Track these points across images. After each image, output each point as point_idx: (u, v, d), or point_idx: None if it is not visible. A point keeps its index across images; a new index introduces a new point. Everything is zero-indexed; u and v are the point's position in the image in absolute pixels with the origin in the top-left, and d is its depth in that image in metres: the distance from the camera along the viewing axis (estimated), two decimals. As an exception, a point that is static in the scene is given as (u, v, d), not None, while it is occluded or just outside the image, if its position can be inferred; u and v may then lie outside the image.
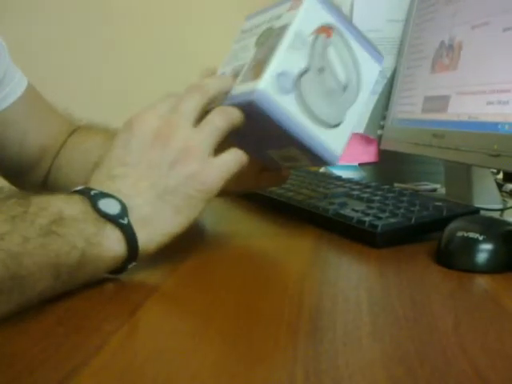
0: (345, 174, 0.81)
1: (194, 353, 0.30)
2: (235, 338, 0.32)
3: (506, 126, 0.58)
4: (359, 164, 0.89)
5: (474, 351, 0.31)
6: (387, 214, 0.54)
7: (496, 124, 0.60)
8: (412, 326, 0.34)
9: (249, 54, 0.51)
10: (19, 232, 0.35)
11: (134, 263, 0.41)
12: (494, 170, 0.80)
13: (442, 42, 0.75)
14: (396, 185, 0.83)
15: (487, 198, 0.69)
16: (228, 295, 0.40)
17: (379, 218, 0.53)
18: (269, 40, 0.50)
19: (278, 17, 0.50)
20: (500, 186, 0.79)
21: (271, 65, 0.46)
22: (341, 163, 0.89)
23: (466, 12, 0.70)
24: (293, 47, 0.47)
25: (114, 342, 0.31)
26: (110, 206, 0.40)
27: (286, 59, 0.47)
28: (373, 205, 0.58)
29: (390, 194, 0.62)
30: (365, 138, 0.90)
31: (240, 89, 0.48)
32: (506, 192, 0.81)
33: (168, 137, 0.44)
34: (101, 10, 1.35)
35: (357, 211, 0.56)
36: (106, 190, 0.41)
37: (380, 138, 0.88)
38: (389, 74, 0.89)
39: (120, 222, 0.40)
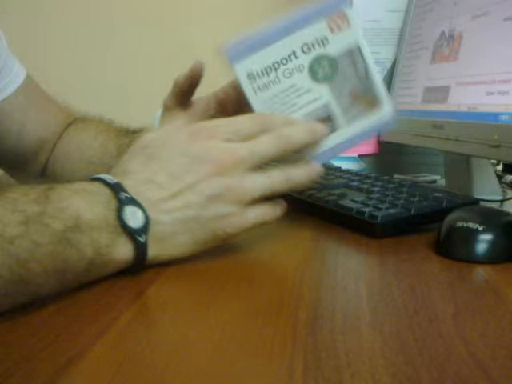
0: (344, 165, 0.81)
1: (192, 343, 0.30)
2: (234, 328, 0.32)
3: (507, 117, 0.58)
4: (359, 155, 0.89)
5: (473, 340, 0.31)
6: (387, 205, 0.54)
7: (496, 114, 0.60)
8: (411, 315, 0.34)
9: (315, 93, 0.47)
10: (31, 236, 0.34)
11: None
12: (494, 162, 0.80)
13: (443, 33, 0.74)
14: (396, 176, 0.82)
15: (487, 188, 0.69)
16: (227, 285, 0.40)
17: (379, 209, 0.53)
18: (341, 70, 0.47)
19: (323, 41, 0.46)
20: (500, 178, 0.79)
21: (384, 91, 0.48)
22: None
23: (467, 2, 0.69)
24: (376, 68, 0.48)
25: (113, 332, 0.31)
26: (134, 218, 0.39)
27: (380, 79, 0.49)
28: (372, 195, 0.58)
29: (390, 185, 0.62)
30: (364, 130, 0.90)
31: (358, 126, 0.48)
32: (506, 183, 0.81)
33: (225, 171, 0.42)
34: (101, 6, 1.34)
35: (356, 202, 0.56)
36: (136, 196, 0.40)
37: (380, 129, 0.88)
38: (389, 65, 0.88)
39: (137, 239, 0.39)
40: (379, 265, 0.45)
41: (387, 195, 0.58)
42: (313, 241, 0.53)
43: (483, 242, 0.45)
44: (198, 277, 0.42)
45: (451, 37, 0.72)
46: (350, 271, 0.44)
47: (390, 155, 0.89)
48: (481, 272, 0.43)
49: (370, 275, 0.43)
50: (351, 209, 0.54)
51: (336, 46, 0.47)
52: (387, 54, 0.88)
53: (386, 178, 0.67)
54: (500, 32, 0.62)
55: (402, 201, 0.55)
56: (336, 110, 0.47)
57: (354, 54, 0.47)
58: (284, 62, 0.46)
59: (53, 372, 0.27)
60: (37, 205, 0.36)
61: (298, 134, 0.46)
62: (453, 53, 0.71)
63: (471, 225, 0.46)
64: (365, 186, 0.62)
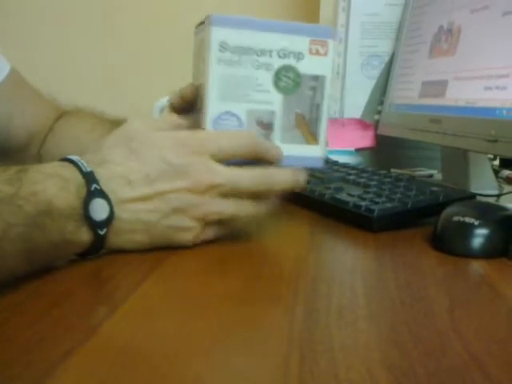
0: (341, 159, 0.81)
1: (189, 336, 0.30)
2: (231, 320, 0.32)
3: (504, 112, 0.58)
4: (356, 149, 0.89)
5: (468, 334, 0.31)
6: (383, 199, 0.54)
7: (494, 109, 0.60)
8: (407, 309, 0.34)
9: (270, 97, 0.47)
10: (4, 217, 0.35)
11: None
12: (491, 157, 0.80)
13: (441, 27, 0.74)
14: (393, 170, 0.83)
15: (484, 183, 0.69)
16: (224, 279, 0.40)
17: (375, 203, 0.53)
18: (301, 90, 0.48)
19: (299, 56, 0.47)
20: (496, 173, 0.79)
21: (324, 133, 0.50)
22: (337, 148, 0.89)
23: (466, -4, 0.69)
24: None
25: (110, 323, 0.31)
26: (99, 210, 0.40)
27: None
28: (369, 189, 0.58)
29: (387, 179, 0.62)
30: (362, 123, 0.90)
31: (289, 150, 0.48)
32: (502, 178, 0.81)
33: (199, 190, 0.43)
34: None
35: (353, 196, 0.56)
36: (106, 189, 0.41)
37: (377, 123, 0.88)
38: (386, 59, 0.88)
39: (97, 232, 0.40)
40: (375, 259, 0.45)
41: (384, 189, 0.58)
42: (309, 234, 0.53)
43: (479, 236, 0.45)
44: (194, 270, 0.42)
45: (450, 31, 0.72)
46: (346, 265, 0.44)
47: (387, 149, 0.89)
48: (476, 266, 0.43)
49: (366, 269, 0.43)
50: (348, 203, 0.55)
51: (308, 65, 0.48)
52: (385, 47, 0.88)
53: (382, 172, 0.67)
54: (499, 26, 0.62)
55: (398, 195, 0.55)
56: (278, 123, 0.48)
57: (319, 83, 0.48)
58: (258, 53, 0.47)
59: (50, 364, 0.27)
60: (10, 186, 0.37)
61: (281, 179, 0.47)
62: (451, 47, 0.71)
63: (468, 219, 0.46)
64: (362, 180, 0.62)
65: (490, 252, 0.45)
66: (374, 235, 0.51)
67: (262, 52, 0.47)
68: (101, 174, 0.41)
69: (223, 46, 0.46)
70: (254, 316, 0.33)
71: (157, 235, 0.44)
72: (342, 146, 0.89)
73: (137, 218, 0.42)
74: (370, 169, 0.70)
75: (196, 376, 0.26)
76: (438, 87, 0.72)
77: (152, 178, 0.42)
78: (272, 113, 0.48)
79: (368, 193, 0.57)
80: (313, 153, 0.50)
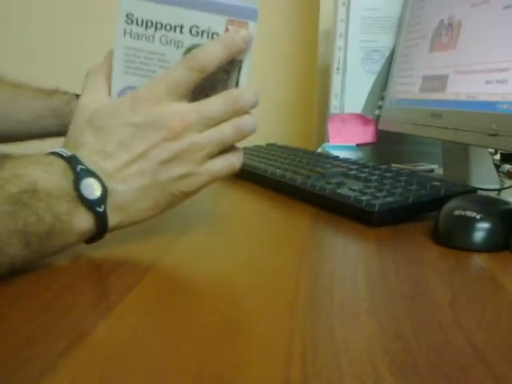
0: (342, 154, 0.81)
1: (189, 329, 0.30)
2: (233, 314, 0.32)
3: (505, 106, 0.58)
4: (357, 144, 0.89)
5: (470, 328, 0.31)
6: (384, 193, 0.54)
7: (494, 103, 0.60)
8: (409, 302, 0.34)
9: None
10: None
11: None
12: (492, 151, 0.80)
13: (442, 21, 0.74)
14: (393, 165, 0.82)
15: (485, 178, 0.69)
16: (225, 273, 0.40)
17: (376, 197, 0.53)
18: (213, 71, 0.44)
19: (213, 35, 0.44)
20: (497, 167, 0.79)
21: None
22: (338, 143, 0.89)
23: (466, -10, 0.69)
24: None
25: (111, 318, 0.31)
26: (91, 189, 0.40)
27: None
28: (370, 184, 0.58)
29: (388, 174, 0.62)
30: (362, 119, 0.90)
31: None
32: (503, 172, 0.81)
33: (175, 136, 0.42)
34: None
35: (354, 190, 0.56)
36: (92, 167, 0.41)
37: (378, 118, 0.88)
38: (387, 54, 0.88)
39: (96, 210, 0.40)
40: (377, 253, 0.45)
41: (385, 184, 0.58)
42: (311, 229, 0.53)
43: (481, 230, 0.45)
44: (194, 265, 0.42)
45: (450, 25, 0.72)
46: (347, 259, 0.44)
47: (387, 144, 0.89)
48: (478, 260, 0.43)
49: (367, 263, 0.43)
50: (349, 197, 0.54)
51: None
52: (386, 42, 0.88)
53: (383, 166, 0.67)
54: (499, 20, 0.62)
55: (399, 189, 0.55)
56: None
57: (233, 67, 0.45)
58: (167, 28, 0.44)
59: (52, 357, 0.27)
60: None
61: (249, 97, 0.45)
62: (452, 41, 0.70)
63: (469, 213, 0.46)
64: (363, 175, 0.62)
65: (491, 246, 0.45)
66: (375, 230, 0.51)
67: (172, 28, 0.44)
68: (81, 155, 0.41)
69: (130, 18, 0.44)
70: (256, 310, 0.33)
71: (158, 196, 0.43)
72: (343, 141, 0.89)
73: (130, 186, 0.42)
74: (370, 164, 0.69)
75: (197, 370, 0.26)
76: (438, 82, 0.72)
77: (126, 144, 0.42)
78: None
79: (369, 187, 0.57)
80: None
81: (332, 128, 0.91)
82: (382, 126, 0.86)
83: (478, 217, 0.45)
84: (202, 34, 0.44)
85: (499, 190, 0.67)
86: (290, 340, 0.29)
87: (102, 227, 0.41)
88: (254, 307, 0.34)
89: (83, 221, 0.40)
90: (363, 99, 0.90)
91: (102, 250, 0.43)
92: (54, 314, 0.32)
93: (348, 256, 0.45)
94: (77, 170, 0.40)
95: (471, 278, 0.40)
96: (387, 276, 0.39)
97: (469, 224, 0.45)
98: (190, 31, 0.44)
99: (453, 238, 0.46)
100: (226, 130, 0.44)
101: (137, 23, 0.44)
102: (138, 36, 0.44)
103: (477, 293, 0.36)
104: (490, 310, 0.33)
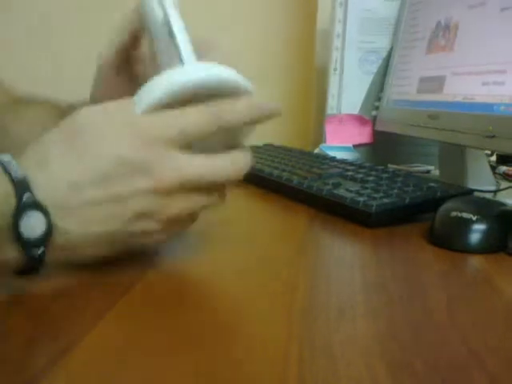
0: (339, 154, 0.81)
1: (186, 330, 0.30)
2: (229, 317, 0.32)
3: (502, 107, 0.58)
4: (354, 145, 0.89)
5: (466, 329, 0.31)
6: (381, 195, 0.54)
7: (491, 105, 0.60)
8: (405, 304, 0.34)
9: None
10: None
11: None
12: (488, 152, 0.80)
13: (439, 23, 0.74)
14: (390, 166, 0.83)
15: (481, 179, 0.69)
16: (221, 275, 0.40)
17: (373, 198, 0.53)
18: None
19: None
20: (493, 168, 0.79)
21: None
22: (335, 144, 0.89)
23: (463, -8, 0.69)
24: None
25: (109, 319, 0.31)
26: (32, 226, 0.33)
27: None
28: (367, 185, 0.58)
29: (384, 175, 0.62)
30: (359, 119, 0.90)
31: None
32: (500, 174, 0.81)
33: (164, 191, 0.36)
34: None
35: (351, 191, 0.56)
36: (45, 197, 0.34)
37: (375, 119, 0.88)
38: (384, 55, 0.88)
39: (30, 252, 0.34)
40: (373, 254, 0.45)
41: (381, 185, 0.58)
42: (307, 230, 0.53)
43: (477, 232, 0.45)
44: (191, 265, 0.42)
45: (447, 27, 0.72)
46: (344, 260, 0.44)
47: (384, 145, 0.89)
48: (474, 262, 0.43)
49: (364, 264, 0.43)
50: (346, 198, 0.55)
51: None
52: (383, 43, 0.88)
53: (380, 167, 0.67)
54: (496, 22, 0.62)
55: (396, 191, 0.55)
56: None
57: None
58: None
59: (52, 357, 0.27)
60: None
61: (244, 161, 0.39)
62: (449, 43, 0.71)
63: (465, 215, 0.46)
64: (359, 176, 0.62)
65: (487, 247, 0.45)
66: (372, 231, 0.51)
67: None
68: (38, 179, 0.34)
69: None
70: (253, 312, 0.33)
71: (115, 246, 0.37)
72: (340, 141, 0.89)
73: (89, 231, 0.35)
74: (367, 164, 0.70)
75: (194, 371, 0.26)
76: (435, 83, 0.72)
77: (105, 178, 0.35)
78: None
79: (366, 188, 0.57)
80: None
81: (329, 129, 0.91)
82: (379, 127, 0.86)
83: (475, 218, 0.45)
84: None
85: (495, 192, 0.67)
86: (287, 342, 0.29)
87: (32, 269, 0.35)
88: (251, 309, 0.34)
89: (10, 256, 0.33)
90: (360, 100, 0.90)
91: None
92: (53, 315, 0.32)
93: (345, 257, 0.45)
94: (22, 199, 0.33)
95: (467, 280, 0.40)
96: (383, 278, 0.39)
97: (465, 225, 0.46)
98: None
99: (449, 239, 0.46)
100: (210, 199, 0.39)
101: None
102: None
103: (473, 294, 0.37)
104: (486, 312, 0.34)
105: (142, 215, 0.36)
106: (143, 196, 0.36)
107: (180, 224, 0.40)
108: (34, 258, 0.34)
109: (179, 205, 0.37)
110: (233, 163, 0.39)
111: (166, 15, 0.41)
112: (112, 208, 0.35)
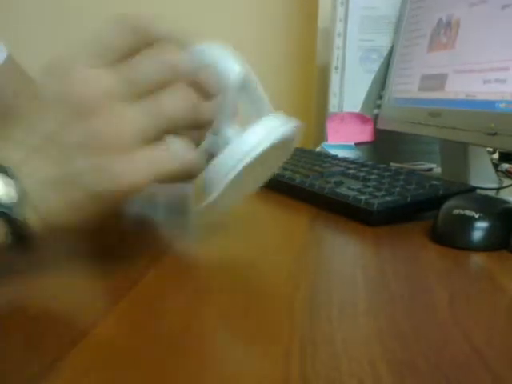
0: (341, 153, 0.81)
1: (188, 328, 0.30)
2: (231, 314, 0.32)
3: (503, 105, 0.58)
4: (355, 143, 0.89)
5: (469, 327, 0.31)
6: (383, 193, 0.54)
7: (493, 102, 0.60)
8: (407, 302, 0.34)
9: None
10: None
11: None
12: (490, 150, 0.80)
13: (440, 20, 0.74)
14: (392, 164, 0.82)
15: (483, 177, 0.69)
16: (223, 273, 0.40)
17: (375, 197, 0.53)
18: None
19: None
20: (496, 166, 0.79)
21: None
22: (337, 143, 0.89)
23: (465, -11, 0.69)
24: None
25: (112, 317, 0.31)
26: (6, 192, 0.32)
27: None
28: (369, 183, 0.58)
29: (386, 173, 0.62)
30: (361, 118, 0.90)
31: None
32: (502, 171, 0.81)
33: (89, 110, 0.32)
34: None
35: (353, 190, 0.56)
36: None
37: (376, 117, 0.88)
38: (385, 53, 0.88)
39: (8, 214, 0.32)
40: (375, 252, 0.45)
41: (383, 183, 0.58)
42: (309, 228, 0.53)
43: (479, 229, 0.45)
44: (194, 264, 0.42)
45: (449, 24, 0.71)
46: (346, 258, 0.44)
47: (386, 143, 0.89)
48: (477, 259, 0.43)
49: (366, 263, 0.43)
50: (348, 196, 0.54)
51: None
52: (384, 41, 0.88)
53: (382, 166, 0.67)
54: (498, 20, 0.62)
55: (398, 189, 0.55)
56: None
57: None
58: None
59: (53, 356, 0.27)
60: None
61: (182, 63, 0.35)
62: (450, 40, 0.70)
63: (468, 212, 0.46)
64: (361, 174, 0.62)
65: (490, 245, 0.45)
66: (374, 229, 0.51)
67: None
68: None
69: None
70: (255, 309, 0.33)
71: (71, 191, 0.33)
72: (342, 140, 0.89)
73: (36, 176, 0.32)
74: (369, 163, 0.69)
75: (196, 370, 0.26)
76: (437, 81, 0.72)
77: (34, 125, 0.33)
78: None
79: (367, 187, 0.57)
80: None
81: (331, 127, 0.91)
82: (381, 125, 0.86)
83: (477, 216, 0.45)
84: None
85: (498, 189, 0.67)
86: (289, 340, 0.29)
87: (18, 234, 0.33)
88: (253, 307, 0.33)
89: None
90: (362, 98, 0.90)
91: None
92: (54, 314, 0.32)
93: (347, 255, 0.45)
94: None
95: (470, 278, 0.40)
96: (386, 276, 0.39)
97: (468, 223, 0.45)
98: None
99: (452, 237, 0.46)
100: (168, 101, 0.33)
101: None
102: None
103: (475, 292, 0.36)
104: (489, 309, 0.33)
105: (80, 148, 0.32)
106: (70, 126, 0.32)
107: (141, 151, 0.33)
108: (14, 221, 0.32)
109: (119, 120, 0.32)
110: (172, 58, 0.34)
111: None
112: (46, 150, 0.32)
